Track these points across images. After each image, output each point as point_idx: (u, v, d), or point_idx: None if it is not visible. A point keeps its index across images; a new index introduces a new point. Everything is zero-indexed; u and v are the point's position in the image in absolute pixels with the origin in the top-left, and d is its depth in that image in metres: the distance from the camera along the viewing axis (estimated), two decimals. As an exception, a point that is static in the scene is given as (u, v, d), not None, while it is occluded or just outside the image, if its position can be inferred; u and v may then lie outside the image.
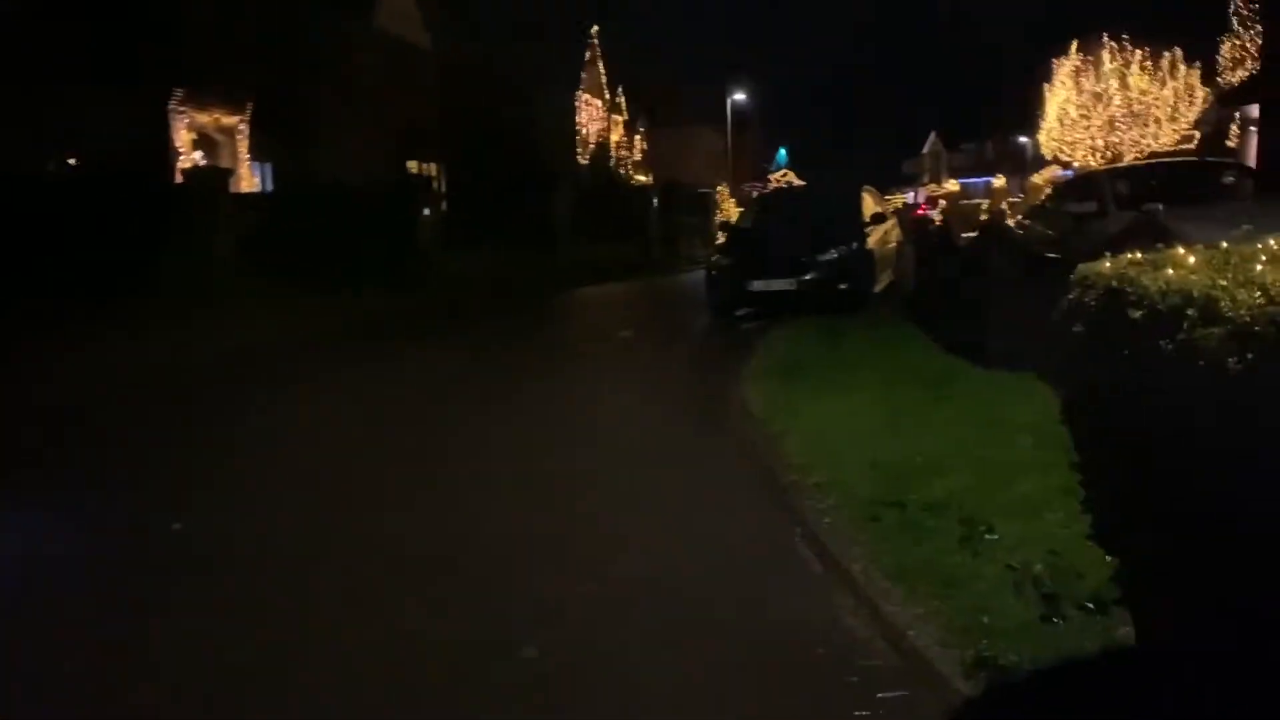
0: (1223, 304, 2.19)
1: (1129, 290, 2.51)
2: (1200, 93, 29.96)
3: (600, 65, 39.71)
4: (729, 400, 7.97)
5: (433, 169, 33.07)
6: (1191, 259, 2.55)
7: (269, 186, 28.52)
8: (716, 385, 8.67)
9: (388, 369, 10.68)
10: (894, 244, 14.79)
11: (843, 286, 12.44)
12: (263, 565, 4.57)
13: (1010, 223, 13.49)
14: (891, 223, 14.79)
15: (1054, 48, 34.43)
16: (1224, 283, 2.29)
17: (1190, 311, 2.26)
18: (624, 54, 40.06)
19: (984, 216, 40.20)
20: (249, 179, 26.35)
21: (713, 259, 13.59)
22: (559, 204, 27.04)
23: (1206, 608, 2.38)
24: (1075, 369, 2.85)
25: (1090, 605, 3.45)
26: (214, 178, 17.80)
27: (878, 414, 6.51)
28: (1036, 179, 38.16)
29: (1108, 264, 2.79)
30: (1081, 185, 11.64)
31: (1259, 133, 14.26)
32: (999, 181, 40.67)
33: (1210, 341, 2.17)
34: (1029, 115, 62.73)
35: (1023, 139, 68.77)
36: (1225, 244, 2.66)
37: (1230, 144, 24.47)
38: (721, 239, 14.62)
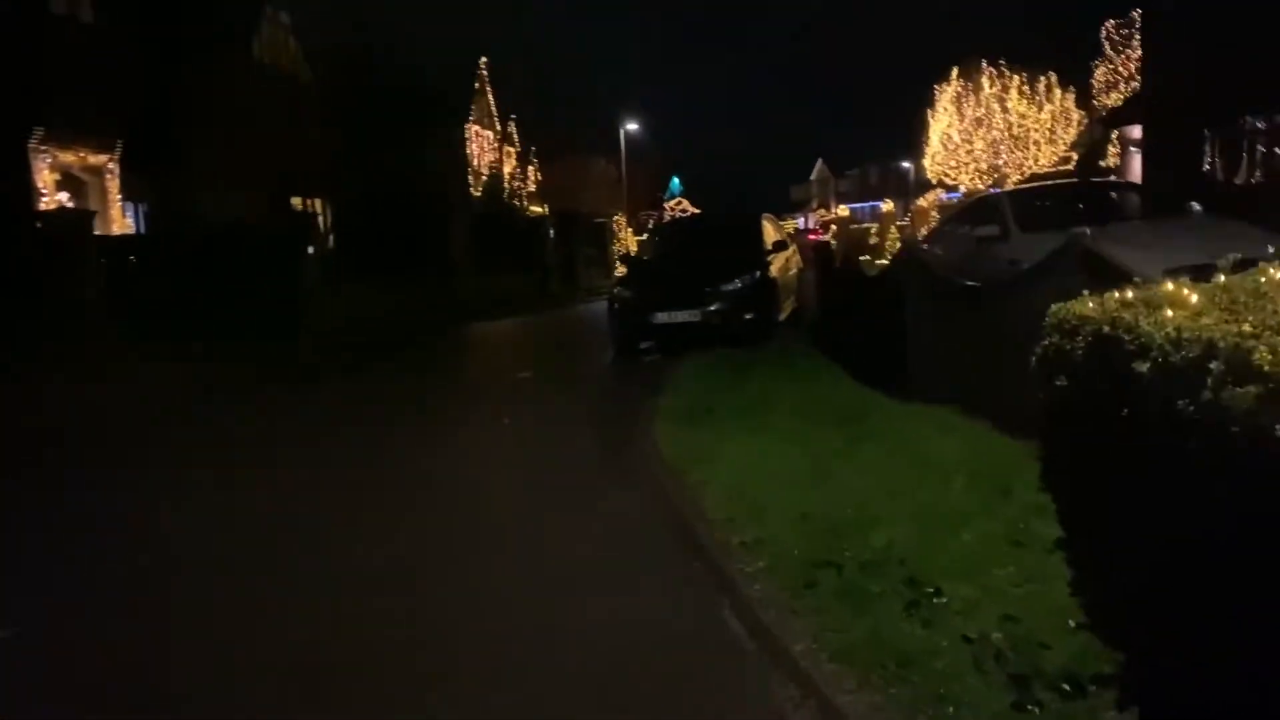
0: (1258, 357, 1.79)
1: (1127, 338, 2.11)
2: (1075, 115, 31.05)
3: (490, 96, 39.14)
4: (638, 446, 7.48)
5: (318, 205, 31.95)
6: (1194, 298, 2.17)
7: (145, 228, 27.13)
8: (624, 429, 8.18)
9: (255, 427, 9.85)
10: (794, 271, 14.60)
11: (748, 316, 12.14)
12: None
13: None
14: (792, 250, 14.62)
15: (934, 75, 35.40)
16: (1248, 328, 1.90)
17: (1214, 365, 1.86)
18: (514, 83, 39.58)
19: (874, 240, 40.93)
20: (121, 221, 24.96)
21: (614, 291, 13.14)
22: (453, 238, 26.32)
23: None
24: (1058, 429, 2.43)
25: (1066, 687, 3.05)
26: (77, 221, 16.61)
27: (799, 457, 6.10)
28: (921, 202, 38.98)
29: (1090, 304, 2.40)
30: (979, 208, 11.56)
31: (1143, 154, 14.55)
32: (887, 206, 41.36)
33: (1245, 403, 1.77)
34: (911, 141, 64.67)
35: (905, 164, 70.99)
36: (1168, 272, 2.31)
37: (1106, 163, 25.29)
38: (623, 271, 14.17)
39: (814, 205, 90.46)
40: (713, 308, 12.04)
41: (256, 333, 15.62)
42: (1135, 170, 18.19)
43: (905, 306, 7.08)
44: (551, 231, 30.02)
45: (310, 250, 20.15)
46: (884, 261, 20.64)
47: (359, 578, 4.94)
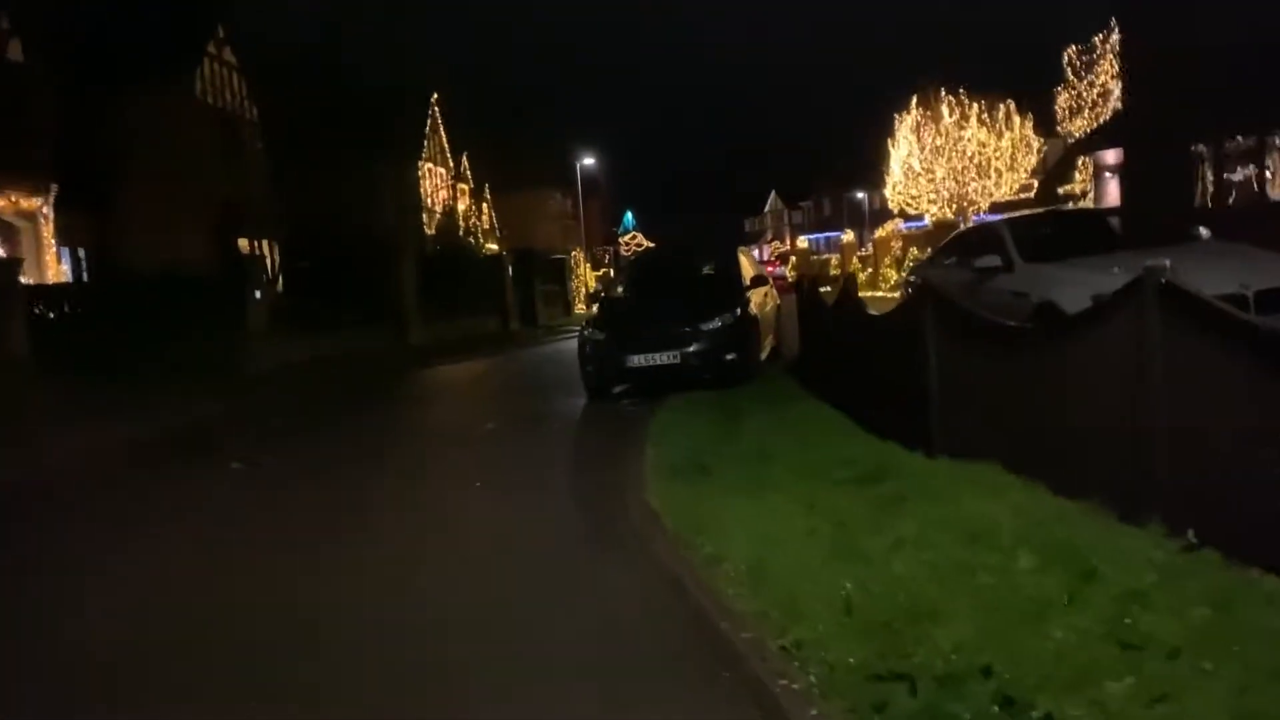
0: None
1: None
2: (1035, 142, 30.98)
3: (443, 132, 38.40)
4: (630, 511, 6.64)
5: (266, 246, 30.93)
6: None
7: (84, 273, 25.93)
8: (610, 489, 7.34)
9: (187, 496, 8.64)
10: (771, 307, 13.92)
11: (729, 357, 11.40)
12: None
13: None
14: (770, 285, 13.93)
15: (892, 105, 35.27)
16: None
17: None
18: (467, 119, 38.91)
19: (835, 272, 40.59)
20: (55, 267, 23.77)
21: (585, 333, 12.33)
22: (406, 278, 25.38)
23: None
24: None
25: None
26: (1, 270, 15.47)
27: (821, 526, 5.30)
28: (881, 233, 38.74)
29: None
30: (974, 238, 10.97)
31: (1124, 178, 14.11)
32: (848, 237, 41.20)
33: None
34: (867, 171, 64.94)
35: (859, 194, 71.28)
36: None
37: (1070, 189, 25.05)
38: (594, 311, 13.40)
39: (768, 237, 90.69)
40: (692, 349, 11.29)
41: (199, 386, 14.58)
42: (1110, 196, 17.82)
43: (921, 346, 6.35)
44: (510, 269, 29.19)
45: (256, 295, 19.13)
46: (886, 295, 20.13)
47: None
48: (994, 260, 9.59)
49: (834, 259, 43.44)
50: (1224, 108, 12.75)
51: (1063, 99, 25.79)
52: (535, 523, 6.83)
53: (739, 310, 11.82)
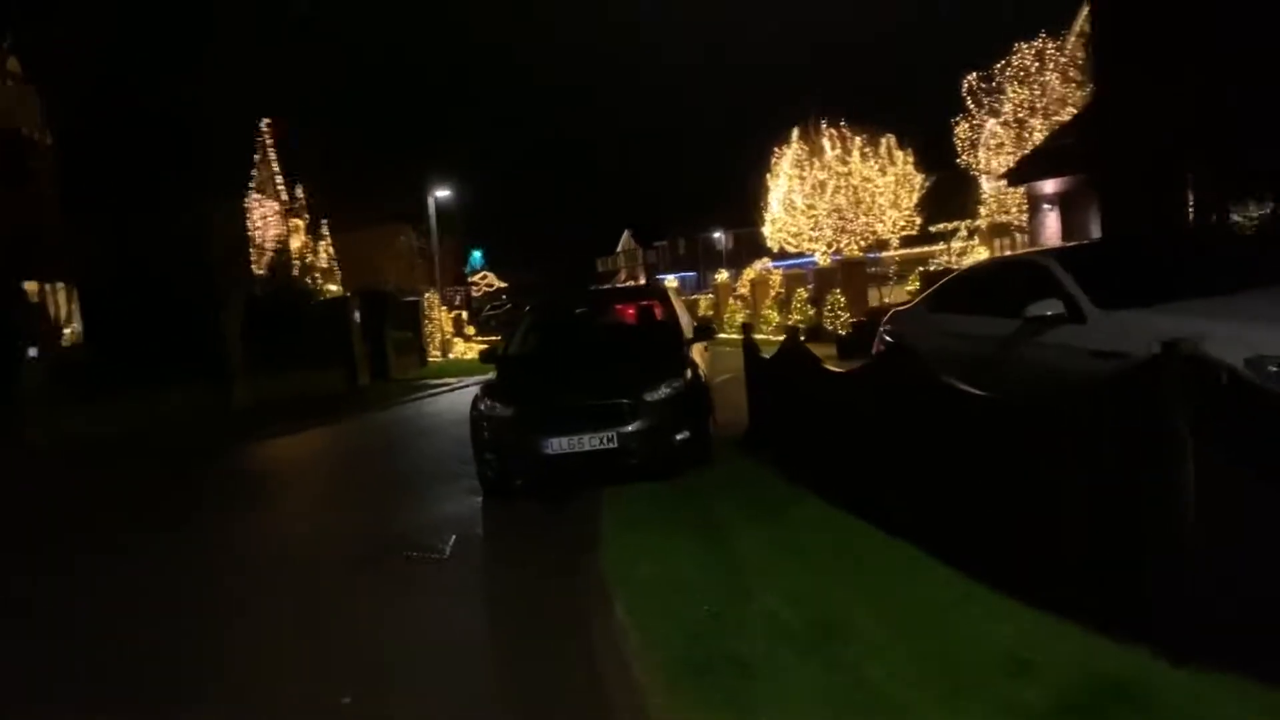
0: None
1: None
2: (917, 179, 29.59)
3: (274, 160, 34.21)
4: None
5: (60, 291, 26.19)
6: None
7: None
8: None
9: None
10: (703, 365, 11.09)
11: (680, 437, 8.44)
12: None
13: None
14: (713, 337, 10.98)
15: (762, 139, 33.48)
16: None
17: None
18: (301, 146, 34.81)
19: (709, 313, 38.35)
20: None
21: (482, 408, 8.80)
22: (230, 326, 21.35)
23: None
24: None
25: None
26: None
27: None
28: (749, 273, 36.77)
29: None
30: (1003, 276, 8.39)
31: (1103, 204, 12.02)
32: (721, 276, 39.05)
33: None
34: (726, 210, 63.65)
35: (717, 234, 70.01)
36: None
37: (987, 223, 23.33)
38: (490, 375, 9.84)
39: (622, 277, 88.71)
40: (632, 428, 8.23)
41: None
42: (1050, 230, 15.98)
43: (1156, 453, 3.64)
44: (357, 314, 25.37)
45: (31, 352, 15.00)
46: (770, 338, 17.49)
47: None
48: (1051, 307, 7.02)
49: (703, 299, 41.22)
50: (1244, 115, 10.68)
51: (961, 129, 24.39)
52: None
53: (687, 373, 8.87)
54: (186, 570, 7.50)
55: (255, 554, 8.03)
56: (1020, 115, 22.88)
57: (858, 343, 20.05)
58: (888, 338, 9.81)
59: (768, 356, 9.46)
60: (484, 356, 9.98)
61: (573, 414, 8.31)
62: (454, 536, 7.56)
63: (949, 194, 29.32)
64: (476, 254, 79.13)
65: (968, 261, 28.42)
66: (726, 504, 7.36)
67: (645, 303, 11.09)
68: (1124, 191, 11.99)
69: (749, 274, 36.51)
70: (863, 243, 29.87)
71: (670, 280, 44.69)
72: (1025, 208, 23.11)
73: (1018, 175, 17.28)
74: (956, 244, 30.22)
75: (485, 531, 8.21)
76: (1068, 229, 15.78)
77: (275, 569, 7.38)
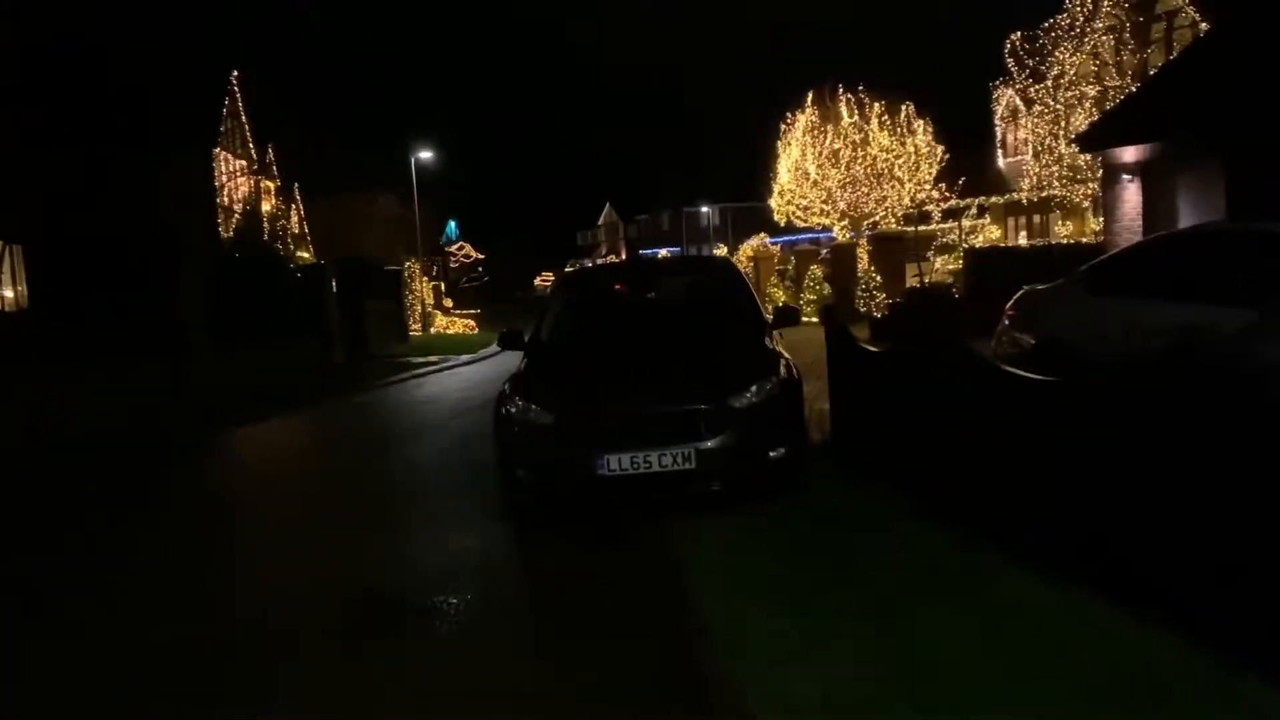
0: None
1: None
2: (939, 150, 27.56)
3: (244, 117, 31.64)
4: None
5: (8, 252, 23.66)
6: None
7: None
8: None
9: None
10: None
11: (775, 454, 6.40)
12: None
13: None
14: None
15: (766, 109, 31.36)
16: None
17: None
18: (274, 103, 32.29)
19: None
20: None
21: (511, 409, 6.71)
22: (190, 294, 19.03)
23: None
24: None
25: None
26: None
27: None
28: (747, 249, 34.73)
29: None
30: (1240, 248, 6.37)
31: (1229, 177, 10.05)
32: (720, 250, 36.95)
33: None
34: (711, 184, 61.49)
35: (704, 208, 67.76)
36: None
37: (1091, 194, 21.31)
38: (521, 366, 7.56)
39: (603, 250, 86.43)
40: (714, 443, 6.19)
41: None
42: (1129, 204, 14.02)
43: None
44: (334, 283, 23.05)
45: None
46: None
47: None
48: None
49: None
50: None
51: (1005, 95, 22.31)
52: None
53: (781, 369, 6.83)
54: (124, 656, 5.34)
55: (210, 613, 5.84)
56: (1072, 79, 20.81)
57: (894, 326, 18.20)
58: (1027, 334, 7.83)
59: (875, 350, 7.45)
60: (505, 340, 7.79)
61: (637, 424, 6.23)
62: (469, 596, 5.48)
63: (965, 169, 27.37)
64: (451, 225, 76.49)
65: (978, 241, 26.74)
66: (864, 556, 5.35)
67: (710, 277, 8.97)
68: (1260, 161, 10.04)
69: (747, 249, 34.46)
70: (891, 218, 27.86)
71: (664, 253, 42.57)
72: (1075, 179, 21.21)
73: (1092, 140, 15.29)
74: (967, 222, 28.37)
75: (520, 588, 5.92)
76: (1150, 204, 13.85)
77: (230, 639, 5.21)
